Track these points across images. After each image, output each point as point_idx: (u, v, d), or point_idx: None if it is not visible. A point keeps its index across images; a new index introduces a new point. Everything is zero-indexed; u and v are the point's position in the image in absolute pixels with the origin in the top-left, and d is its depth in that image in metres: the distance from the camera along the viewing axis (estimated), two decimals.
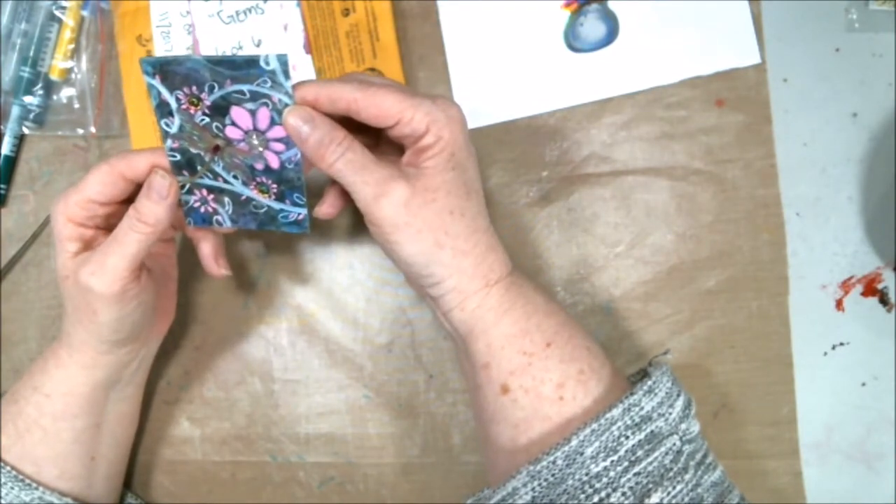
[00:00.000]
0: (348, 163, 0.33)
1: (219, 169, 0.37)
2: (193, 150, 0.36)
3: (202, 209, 0.38)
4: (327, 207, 0.38)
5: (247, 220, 0.38)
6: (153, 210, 0.35)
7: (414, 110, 0.33)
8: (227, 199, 0.38)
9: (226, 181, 0.37)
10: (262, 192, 0.37)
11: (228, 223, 0.39)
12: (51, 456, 0.40)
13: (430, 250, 0.34)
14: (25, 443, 0.39)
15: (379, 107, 0.33)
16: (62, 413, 0.39)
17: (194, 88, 0.34)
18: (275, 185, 0.36)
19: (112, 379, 0.41)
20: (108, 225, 0.38)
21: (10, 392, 0.41)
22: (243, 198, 0.37)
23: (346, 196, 0.37)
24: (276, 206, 0.37)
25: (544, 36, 0.45)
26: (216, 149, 0.36)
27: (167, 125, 0.36)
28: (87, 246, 0.37)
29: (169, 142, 0.36)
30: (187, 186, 0.37)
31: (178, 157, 0.37)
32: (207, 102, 0.34)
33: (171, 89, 0.34)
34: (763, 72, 0.43)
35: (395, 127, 0.33)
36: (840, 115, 0.43)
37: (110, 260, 0.35)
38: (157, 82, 0.34)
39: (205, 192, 0.38)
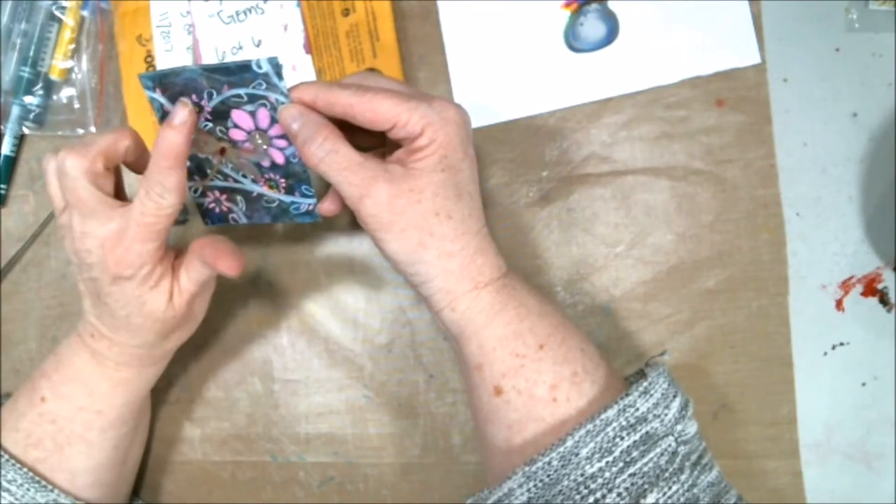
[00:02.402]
0: (332, 163, 0.34)
1: (228, 170, 0.38)
2: (201, 155, 0.37)
3: (217, 209, 0.40)
4: (329, 204, 0.39)
5: (261, 215, 0.39)
6: (178, 111, 0.34)
7: (409, 114, 0.33)
8: (239, 198, 0.39)
9: (236, 181, 0.38)
10: (271, 187, 0.38)
11: (244, 220, 0.40)
12: (90, 466, 0.40)
13: (414, 249, 0.34)
14: (65, 455, 0.39)
15: (374, 112, 0.33)
16: (112, 423, 0.40)
17: (194, 97, 0.35)
18: (283, 180, 0.37)
19: (157, 376, 0.42)
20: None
21: (39, 413, 0.39)
22: (254, 194, 0.38)
23: None
24: (287, 199, 0.38)
25: (544, 36, 0.45)
26: (222, 151, 0.37)
27: None
28: (160, 276, 0.36)
29: None
30: (200, 190, 0.38)
31: (189, 163, 0.37)
32: (208, 109, 0.35)
33: (173, 100, 0.35)
34: (763, 72, 0.43)
35: (392, 130, 0.34)
36: (840, 115, 0.43)
37: (170, 179, 0.34)
38: (158, 95, 0.35)
39: (217, 193, 0.39)
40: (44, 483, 0.38)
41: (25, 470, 0.38)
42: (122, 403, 0.40)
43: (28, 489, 0.38)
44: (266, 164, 0.37)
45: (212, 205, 0.39)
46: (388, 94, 0.33)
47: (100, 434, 0.39)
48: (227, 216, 0.40)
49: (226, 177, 0.38)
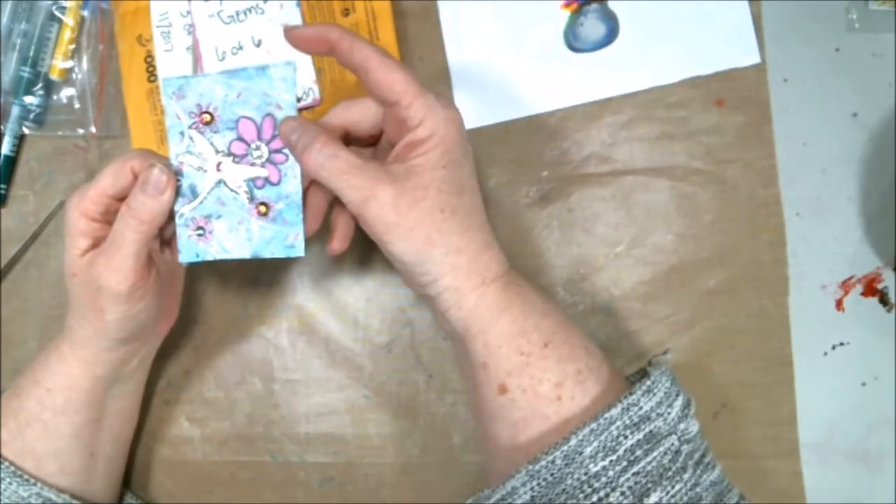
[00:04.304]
0: (333, 168, 0.33)
1: (219, 190, 0.37)
2: (197, 172, 0.37)
3: (197, 242, 0.38)
4: (337, 243, 0.38)
5: (241, 248, 0.38)
6: (148, 205, 0.35)
7: (414, 98, 0.33)
8: (223, 227, 0.37)
9: (224, 204, 0.37)
10: (260, 211, 0.37)
11: (222, 254, 0.38)
12: (51, 451, 0.40)
13: (422, 248, 0.34)
14: (26, 437, 0.39)
15: (387, 77, 0.33)
16: (62, 408, 0.39)
17: (207, 105, 0.36)
18: (273, 203, 0.37)
19: (112, 375, 0.41)
20: None
21: (12, 387, 0.41)
22: (239, 221, 0.37)
23: (351, 227, 0.38)
24: (272, 227, 0.37)
25: (544, 36, 0.45)
26: (218, 167, 0.37)
27: (176, 146, 0.37)
28: (97, 243, 0.37)
29: (175, 163, 0.37)
30: (185, 218, 0.37)
31: (181, 181, 0.37)
32: (218, 118, 0.36)
33: (186, 108, 0.36)
34: (763, 72, 0.43)
35: (393, 107, 0.34)
36: (840, 115, 0.43)
37: (115, 261, 0.35)
38: (174, 102, 0.36)
39: (202, 220, 0.37)
40: (26, 477, 0.38)
41: (7, 464, 0.38)
42: (66, 385, 0.39)
43: (10, 483, 0.38)
44: (260, 182, 0.36)
45: (193, 237, 0.38)
46: (405, 69, 0.34)
47: (53, 417, 0.39)
48: (206, 250, 0.38)
49: (217, 199, 0.37)
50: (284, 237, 0.37)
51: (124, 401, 0.43)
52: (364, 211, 0.33)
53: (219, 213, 0.37)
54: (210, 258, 0.38)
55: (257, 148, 0.36)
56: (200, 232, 0.38)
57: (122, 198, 0.36)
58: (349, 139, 0.37)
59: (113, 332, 0.38)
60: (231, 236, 0.38)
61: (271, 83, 0.34)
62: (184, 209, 0.37)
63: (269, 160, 0.36)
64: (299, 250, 0.37)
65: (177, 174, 0.37)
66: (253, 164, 0.36)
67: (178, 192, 0.37)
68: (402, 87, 0.33)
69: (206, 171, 0.37)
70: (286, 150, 0.36)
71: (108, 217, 0.37)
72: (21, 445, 0.39)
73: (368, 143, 0.38)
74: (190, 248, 0.38)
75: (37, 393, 0.39)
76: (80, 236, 0.36)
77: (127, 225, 0.35)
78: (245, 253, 0.38)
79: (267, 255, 0.37)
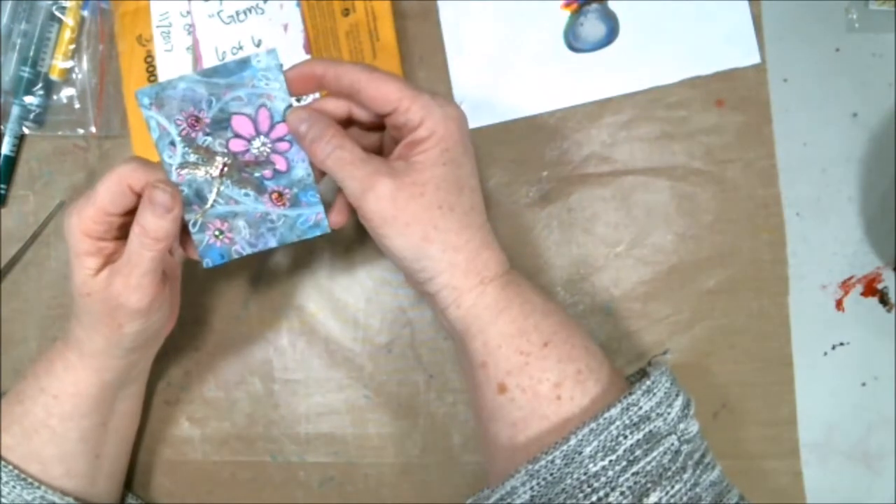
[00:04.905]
0: (338, 159, 0.34)
1: (228, 190, 0.37)
2: (200, 178, 0.36)
3: (218, 243, 0.38)
4: (336, 216, 0.38)
5: (266, 239, 0.38)
6: (160, 225, 0.34)
7: (411, 101, 0.33)
8: (241, 224, 0.37)
9: (237, 202, 0.37)
10: (275, 200, 0.37)
11: (248, 249, 0.38)
12: (57, 455, 0.40)
13: (419, 244, 0.34)
14: (32, 443, 0.39)
15: (379, 90, 0.34)
16: (70, 414, 0.39)
17: (192, 109, 0.35)
18: (287, 190, 0.37)
19: (121, 380, 0.41)
20: (126, 235, 0.36)
21: (14, 392, 0.41)
22: (258, 215, 0.37)
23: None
24: (293, 212, 0.37)
25: (544, 36, 0.45)
26: (222, 171, 0.36)
27: (170, 157, 0.36)
28: (108, 260, 0.36)
29: (174, 174, 0.36)
30: (199, 224, 0.37)
31: (186, 189, 0.36)
32: (207, 120, 0.35)
33: (170, 116, 0.35)
34: (763, 72, 0.43)
35: (392, 115, 0.34)
36: (840, 115, 0.43)
37: (134, 280, 0.35)
38: (154, 113, 0.35)
39: (218, 222, 0.37)
40: (30, 480, 0.38)
41: (10, 468, 0.38)
42: (74, 392, 0.39)
43: (14, 487, 0.38)
44: (268, 174, 0.36)
45: (212, 239, 0.37)
46: (394, 77, 0.34)
47: (61, 422, 0.39)
48: (229, 249, 0.38)
49: (227, 199, 0.37)
50: (306, 219, 0.37)
51: (128, 402, 0.43)
52: (363, 203, 0.34)
53: (234, 212, 0.37)
54: (236, 256, 0.38)
55: (263, 144, 0.36)
56: (219, 233, 0.37)
57: (124, 213, 0.36)
58: (351, 122, 0.37)
59: (129, 342, 0.38)
60: (253, 231, 0.38)
61: (256, 74, 0.34)
62: (196, 216, 0.37)
63: (272, 151, 0.36)
64: (324, 227, 0.38)
65: (179, 185, 0.36)
66: (257, 158, 0.36)
67: (185, 200, 0.36)
68: (395, 96, 0.34)
69: (209, 175, 0.36)
70: (289, 138, 0.36)
71: (113, 233, 0.36)
72: (26, 450, 0.39)
73: (370, 128, 0.38)
74: (213, 252, 0.38)
75: (43, 400, 0.39)
76: (88, 256, 0.36)
77: (143, 244, 0.35)
78: (272, 243, 0.38)
79: (294, 239, 0.38)
